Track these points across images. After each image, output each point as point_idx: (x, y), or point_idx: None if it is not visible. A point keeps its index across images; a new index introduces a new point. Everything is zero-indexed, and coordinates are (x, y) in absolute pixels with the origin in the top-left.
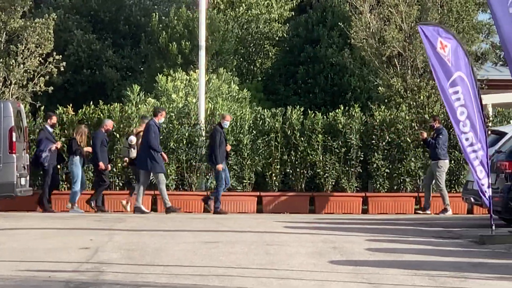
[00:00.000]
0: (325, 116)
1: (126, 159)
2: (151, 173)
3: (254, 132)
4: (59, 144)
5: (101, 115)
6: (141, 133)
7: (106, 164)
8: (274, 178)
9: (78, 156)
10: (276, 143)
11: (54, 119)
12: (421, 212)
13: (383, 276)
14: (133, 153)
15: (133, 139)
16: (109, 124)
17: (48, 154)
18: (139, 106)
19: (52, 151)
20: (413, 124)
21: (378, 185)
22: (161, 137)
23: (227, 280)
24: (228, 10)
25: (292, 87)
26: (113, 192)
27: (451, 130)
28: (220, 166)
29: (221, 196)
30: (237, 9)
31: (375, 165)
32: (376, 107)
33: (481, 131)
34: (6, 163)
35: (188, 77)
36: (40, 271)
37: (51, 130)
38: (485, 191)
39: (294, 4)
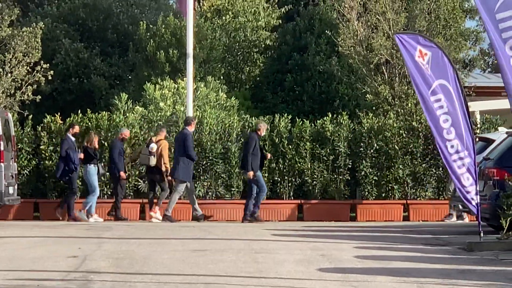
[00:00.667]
0: (313, 124)
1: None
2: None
3: (242, 140)
4: (82, 155)
5: (89, 123)
6: (161, 142)
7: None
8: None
9: (92, 165)
10: (264, 151)
11: (77, 129)
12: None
13: (371, 283)
14: (153, 160)
15: (154, 146)
16: (125, 132)
17: (101, 169)
18: (127, 114)
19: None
20: (401, 131)
21: (366, 193)
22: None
23: None
24: (215, 18)
25: (280, 94)
26: (103, 200)
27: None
28: (251, 174)
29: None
30: (223, 17)
31: (363, 173)
32: (364, 114)
33: (468, 138)
34: None
35: (176, 85)
36: (28, 280)
37: (73, 139)
38: (472, 198)
39: (282, 12)
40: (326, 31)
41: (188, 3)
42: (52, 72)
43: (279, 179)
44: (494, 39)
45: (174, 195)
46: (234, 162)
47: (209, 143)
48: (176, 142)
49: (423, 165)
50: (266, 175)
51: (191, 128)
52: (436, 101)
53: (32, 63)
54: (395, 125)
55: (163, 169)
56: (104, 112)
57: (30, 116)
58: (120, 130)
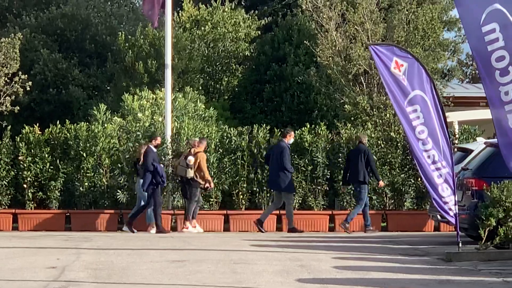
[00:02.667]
0: None
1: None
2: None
3: (221, 151)
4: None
5: (68, 134)
6: (199, 154)
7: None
8: (241, 196)
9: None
10: (243, 162)
11: (159, 140)
12: None
13: None
14: (190, 173)
15: (191, 159)
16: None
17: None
18: (106, 125)
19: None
20: (379, 142)
21: (345, 203)
22: (127, 156)
23: None
24: (194, 29)
25: (259, 105)
26: (80, 211)
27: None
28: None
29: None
30: (202, 28)
31: (341, 183)
32: (342, 125)
33: (446, 148)
34: None
35: (154, 96)
36: None
37: (155, 150)
38: (450, 209)
39: (261, 24)
40: (305, 41)
41: (166, 13)
42: (30, 82)
43: (257, 190)
44: (478, 52)
45: (287, 207)
46: (212, 173)
47: None
48: (273, 154)
49: (402, 175)
50: (245, 185)
51: (287, 140)
52: (413, 112)
53: (10, 74)
54: (373, 135)
55: (201, 181)
56: (82, 122)
57: (9, 127)
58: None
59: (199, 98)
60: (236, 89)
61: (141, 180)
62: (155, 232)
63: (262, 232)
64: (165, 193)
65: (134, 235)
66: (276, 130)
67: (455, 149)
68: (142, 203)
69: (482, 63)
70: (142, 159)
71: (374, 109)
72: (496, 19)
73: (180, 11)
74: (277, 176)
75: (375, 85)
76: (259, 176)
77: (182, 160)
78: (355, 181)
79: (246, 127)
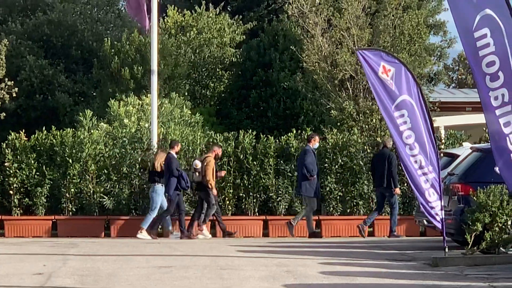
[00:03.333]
0: (277, 140)
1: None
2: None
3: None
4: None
5: (54, 140)
6: (207, 159)
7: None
8: (227, 202)
9: (160, 184)
10: (229, 167)
11: (179, 147)
12: None
13: None
14: (196, 177)
15: (197, 163)
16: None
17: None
18: (92, 131)
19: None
20: (365, 147)
21: (331, 208)
22: (113, 162)
23: None
24: (179, 34)
25: (245, 111)
26: (67, 217)
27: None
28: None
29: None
30: (187, 34)
31: (328, 188)
32: (328, 130)
33: (432, 153)
34: None
35: (140, 102)
36: None
37: (176, 157)
38: (436, 214)
39: (247, 28)
40: (291, 47)
41: (152, 19)
42: (16, 89)
43: (244, 195)
44: (472, 57)
45: (305, 212)
46: None
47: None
48: (298, 159)
49: None
50: (231, 191)
51: (312, 144)
52: (400, 117)
53: None
54: (359, 140)
55: (209, 186)
56: (68, 129)
57: None
58: (212, 147)
59: (185, 104)
60: (222, 94)
61: (156, 186)
62: (180, 238)
63: (320, 237)
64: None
65: (120, 241)
66: (262, 135)
67: (441, 154)
68: (156, 209)
69: (475, 67)
70: (158, 165)
71: (360, 114)
72: (487, 25)
73: (165, 17)
74: (300, 181)
75: (361, 90)
76: (245, 181)
77: (192, 166)
78: (380, 185)
79: (232, 132)
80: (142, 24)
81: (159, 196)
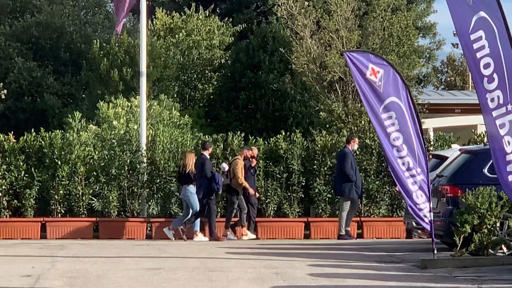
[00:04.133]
0: (266, 142)
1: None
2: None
3: (196, 158)
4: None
5: (43, 142)
6: (236, 161)
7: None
8: (216, 204)
9: (192, 184)
10: (218, 169)
11: (211, 149)
12: None
13: None
14: (226, 180)
15: (224, 166)
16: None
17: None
18: (81, 133)
19: None
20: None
21: (320, 210)
22: (102, 164)
23: None
24: (168, 36)
25: (234, 112)
26: (56, 219)
27: None
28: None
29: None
30: (176, 36)
31: (316, 190)
32: (317, 132)
33: (421, 155)
34: None
35: (129, 104)
36: None
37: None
38: (425, 216)
39: (236, 31)
40: (280, 49)
41: (141, 21)
42: (5, 91)
43: None
44: (470, 59)
45: (341, 213)
46: None
47: (162, 162)
48: (337, 161)
49: (377, 182)
50: (220, 193)
51: (351, 146)
52: (388, 118)
53: None
54: None
55: (244, 187)
56: (57, 130)
57: None
58: (243, 149)
59: (174, 106)
60: (211, 96)
61: (188, 188)
62: (209, 240)
63: (354, 239)
64: (140, 201)
65: (109, 242)
66: (251, 137)
67: (430, 156)
68: (197, 207)
69: (473, 69)
70: (189, 167)
71: (349, 116)
72: (482, 27)
73: (154, 19)
74: (338, 182)
75: (350, 92)
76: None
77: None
78: None
79: (221, 134)
80: (116, 26)
81: (194, 195)
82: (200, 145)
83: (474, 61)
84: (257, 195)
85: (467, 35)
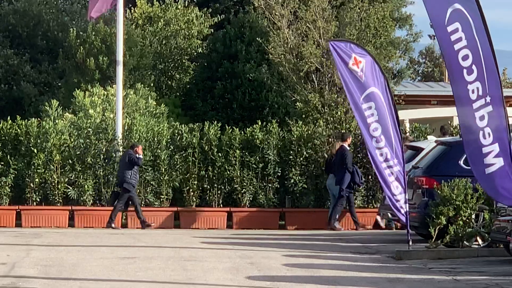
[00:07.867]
0: (242, 132)
1: None
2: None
3: (172, 148)
4: None
5: (19, 130)
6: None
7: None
8: (192, 193)
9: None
10: (194, 159)
11: (349, 139)
12: None
13: None
14: None
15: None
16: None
17: None
18: (57, 121)
19: None
20: (330, 139)
21: (295, 200)
22: (78, 152)
23: None
24: (146, 25)
25: (210, 102)
26: (31, 207)
27: None
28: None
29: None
30: (155, 25)
31: (292, 181)
32: (293, 122)
33: (397, 146)
34: None
35: (105, 92)
36: None
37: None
38: (401, 207)
39: (214, 21)
40: (257, 38)
41: (118, 10)
42: None
43: (208, 187)
44: (447, 51)
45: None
46: (163, 170)
47: None
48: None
49: None
50: (196, 182)
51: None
52: (368, 109)
53: None
54: (324, 133)
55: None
56: (33, 119)
57: None
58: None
59: (150, 95)
60: (188, 86)
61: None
62: (356, 229)
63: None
64: (115, 190)
65: (84, 231)
66: (227, 127)
67: (406, 148)
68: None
69: (450, 62)
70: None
71: (326, 107)
72: (457, 19)
73: (132, 8)
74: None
75: (327, 83)
76: (209, 173)
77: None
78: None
79: (197, 124)
80: (88, 12)
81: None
82: (176, 134)
83: (452, 53)
84: None
85: (443, 27)
